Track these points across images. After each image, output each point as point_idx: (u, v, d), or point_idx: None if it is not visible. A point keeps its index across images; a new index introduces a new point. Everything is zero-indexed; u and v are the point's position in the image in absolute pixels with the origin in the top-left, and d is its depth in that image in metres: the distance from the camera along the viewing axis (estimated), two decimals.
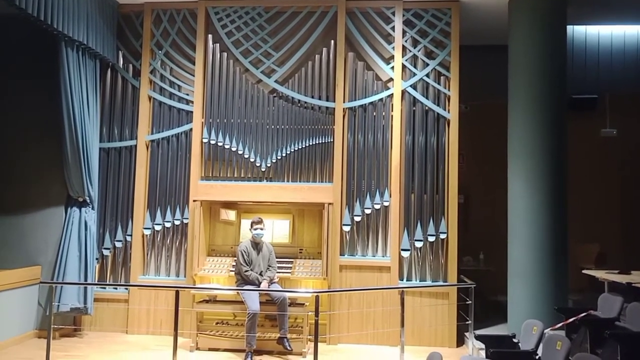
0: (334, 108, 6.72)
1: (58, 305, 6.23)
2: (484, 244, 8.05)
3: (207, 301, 6.33)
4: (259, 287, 5.95)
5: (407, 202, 6.60)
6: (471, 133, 7.56)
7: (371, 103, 6.74)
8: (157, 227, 6.84)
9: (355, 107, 6.74)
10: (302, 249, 6.77)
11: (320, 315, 5.12)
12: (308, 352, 5.93)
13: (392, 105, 6.71)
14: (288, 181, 6.73)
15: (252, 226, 6.16)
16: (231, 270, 6.45)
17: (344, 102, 6.72)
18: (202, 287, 6.41)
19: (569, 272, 6.04)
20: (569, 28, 7.05)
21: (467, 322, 5.93)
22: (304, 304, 6.20)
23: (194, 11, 6.98)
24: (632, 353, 4.10)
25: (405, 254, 6.52)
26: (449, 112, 6.67)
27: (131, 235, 6.86)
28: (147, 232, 6.84)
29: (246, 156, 6.77)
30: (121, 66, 7.08)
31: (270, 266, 6.17)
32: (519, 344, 4.60)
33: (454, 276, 6.46)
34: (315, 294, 5.24)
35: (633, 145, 8.31)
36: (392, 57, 6.77)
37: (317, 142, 6.73)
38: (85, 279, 6.46)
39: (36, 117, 6.74)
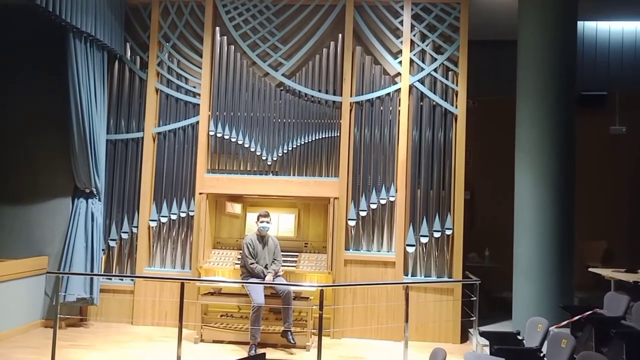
0: (341, 102, 6.70)
1: (64, 295, 6.27)
2: (489, 241, 8.04)
3: (212, 293, 6.35)
4: (264, 280, 5.96)
5: (413, 198, 6.59)
6: (478, 129, 7.53)
7: (378, 97, 6.71)
8: (163, 219, 6.86)
9: (362, 101, 6.71)
10: (307, 243, 6.78)
11: (324, 309, 5.12)
12: (312, 345, 5.94)
13: (400, 100, 6.68)
14: (294, 175, 6.73)
15: (258, 219, 6.17)
16: (236, 263, 6.46)
17: (351, 96, 6.70)
18: (207, 279, 6.43)
19: (575, 269, 6.01)
20: (580, 23, 6.98)
21: (471, 319, 5.93)
22: (308, 297, 6.22)
23: (202, 3, 6.96)
24: (637, 352, 4.08)
25: (411, 250, 6.51)
26: (456, 107, 6.63)
27: (137, 227, 6.89)
28: (153, 224, 6.87)
29: (252, 149, 6.77)
30: (129, 58, 7.08)
31: (275, 259, 6.18)
32: (524, 341, 4.59)
33: (459, 272, 6.45)
34: (320, 288, 5.24)
35: None
36: (400, 51, 6.73)
37: (323, 136, 6.72)
38: (92, 270, 6.50)
39: (45, 108, 6.75)
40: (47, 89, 6.72)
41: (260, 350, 5.76)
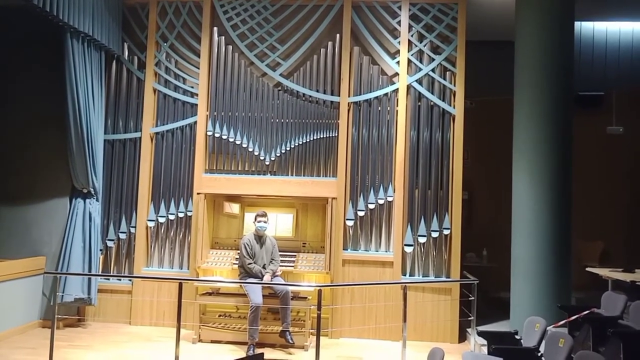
0: (339, 102, 6.70)
1: (62, 296, 6.26)
2: (487, 241, 8.05)
3: (210, 293, 6.35)
4: (262, 280, 5.96)
5: (411, 198, 6.59)
6: (476, 129, 7.53)
7: (376, 98, 6.72)
8: (161, 220, 6.86)
9: (360, 101, 6.72)
10: (305, 243, 6.78)
11: (322, 309, 5.12)
12: (310, 345, 5.95)
13: (397, 100, 6.69)
14: (292, 175, 6.73)
15: (255, 219, 6.17)
16: (234, 263, 6.46)
17: (349, 96, 6.70)
18: (205, 279, 6.43)
19: (573, 269, 6.03)
20: (577, 24, 7.00)
21: (469, 319, 5.93)
22: (306, 297, 6.22)
23: (200, 3, 6.96)
24: (634, 351, 4.09)
25: (409, 250, 6.52)
26: (454, 107, 6.64)
27: (135, 227, 6.88)
28: (151, 224, 6.86)
29: (250, 149, 6.77)
30: (126, 58, 7.07)
31: (273, 259, 6.19)
32: (521, 341, 4.60)
33: (456, 272, 6.46)
34: (318, 287, 5.24)
35: (639, 143, 8.26)
36: (398, 51, 6.74)
37: (321, 136, 6.72)
38: (89, 270, 6.49)
39: (43, 108, 6.74)
40: (46, 89, 6.71)
41: (259, 350, 5.76)
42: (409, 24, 6.73)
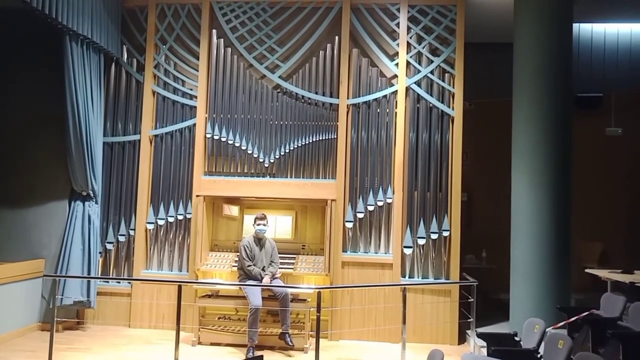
0: (338, 104, 6.71)
1: (61, 299, 6.26)
2: (486, 242, 8.04)
3: (209, 296, 6.35)
4: (261, 282, 5.96)
5: (410, 200, 6.60)
6: (475, 131, 7.54)
7: (375, 100, 6.73)
8: (160, 222, 6.85)
9: (359, 103, 6.73)
10: (304, 245, 6.78)
11: (322, 312, 5.12)
12: (309, 347, 5.94)
13: (396, 102, 6.70)
14: (291, 177, 6.74)
15: (255, 222, 6.17)
16: (234, 266, 6.46)
17: (347, 98, 6.71)
18: (204, 281, 6.44)
19: (572, 271, 6.03)
20: (575, 26, 7.01)
21: (468, 320, 5.93)
22: (306, 299, 6.21)
23: (199, 6, 6.97)
24: (634, 353, 4.09)
25: (408, 251, 6.52)
26: (453, 109, 6.65)
27: (134, 230, 6.88)
28: (150, 226, 6.86)
29: (249, 152, 6.77)
30: (125, 61, 7.08)
31: (272, 262, 6.19)
32: (521, 343, 4.60)
33: (456, 274, 6.46)
34: (318, 290, 5.24)
35: (638, 145, 8.27)
36: (397, 53, 6.75)
37: (320, 138, 6.72)
38: (89, 273, 6.49)
39: (43, 110, 6.74)
40: (45, 89, 6.71)
41: (258, 353, 5.75)
42: (408, 26, 6.74)
